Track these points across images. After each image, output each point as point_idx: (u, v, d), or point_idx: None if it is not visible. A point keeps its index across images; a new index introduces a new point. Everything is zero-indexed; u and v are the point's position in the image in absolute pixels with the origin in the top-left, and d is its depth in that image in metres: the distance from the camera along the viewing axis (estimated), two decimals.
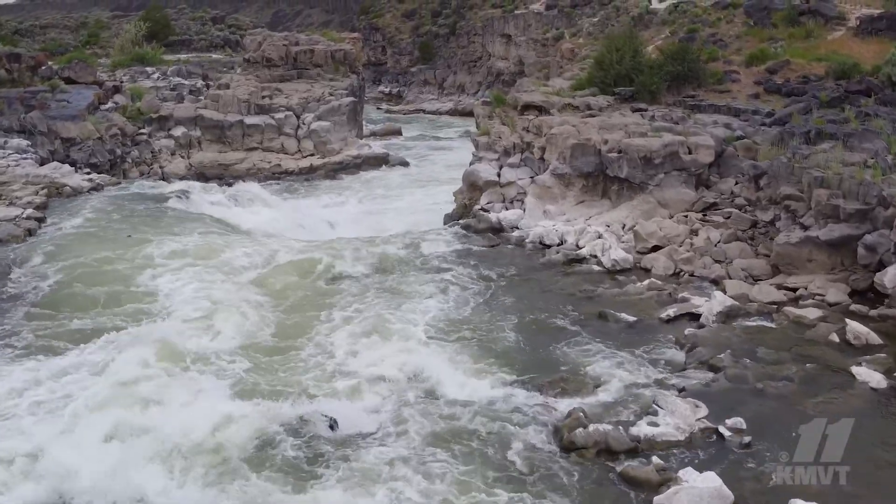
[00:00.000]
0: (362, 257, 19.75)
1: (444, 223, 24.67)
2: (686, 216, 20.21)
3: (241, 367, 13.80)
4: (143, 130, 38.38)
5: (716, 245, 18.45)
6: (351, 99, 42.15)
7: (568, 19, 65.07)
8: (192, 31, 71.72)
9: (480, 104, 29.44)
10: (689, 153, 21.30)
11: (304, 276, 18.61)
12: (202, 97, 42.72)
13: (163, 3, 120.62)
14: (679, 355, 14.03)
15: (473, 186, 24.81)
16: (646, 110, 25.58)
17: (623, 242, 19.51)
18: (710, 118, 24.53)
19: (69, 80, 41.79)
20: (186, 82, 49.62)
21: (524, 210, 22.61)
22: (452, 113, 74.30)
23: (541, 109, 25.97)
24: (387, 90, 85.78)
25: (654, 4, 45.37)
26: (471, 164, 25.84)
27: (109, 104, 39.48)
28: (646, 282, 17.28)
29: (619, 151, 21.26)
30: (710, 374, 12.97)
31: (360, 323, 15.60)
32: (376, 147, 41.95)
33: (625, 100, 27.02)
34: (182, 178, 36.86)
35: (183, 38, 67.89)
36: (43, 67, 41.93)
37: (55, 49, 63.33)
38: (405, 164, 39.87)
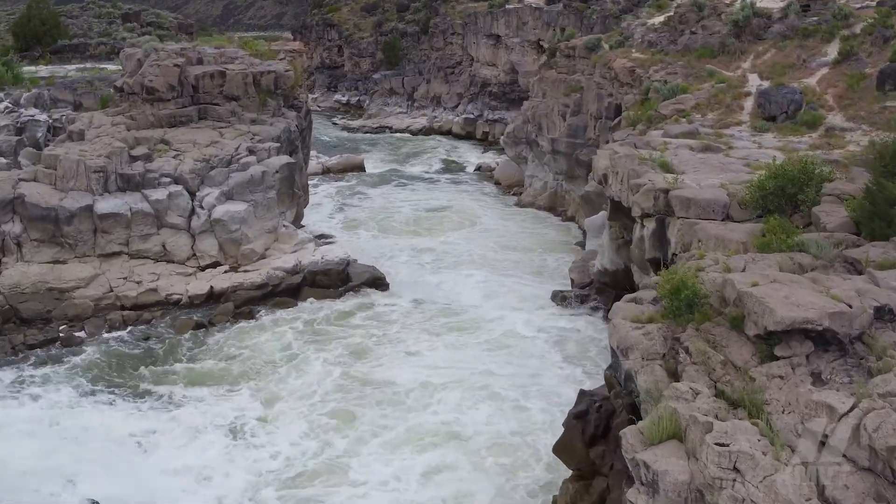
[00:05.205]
0: None
1: None
2: None
3: None
4: None
5: None
6: (285, 160, 23.28)
7: (578, 17, 46.62)
8: (94, 33, 51.60)
9: (624, 311, 9.30)
10: None
11: None
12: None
13: None
14: None
15: None
16: None
17: None
18: None
19: None
20: (43, 118, 30.30)
21: None
22: (427, 132, 55.48)
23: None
24: (344, 99, 66.51)
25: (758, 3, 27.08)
26: None
27: None
28: None
29: None
30: None
31: None
32: (329, 248, 22.94)
33: None
34: None
35: (77, 43, 47.82)
36: None
37: None
38: (381, 284, 21.23)
